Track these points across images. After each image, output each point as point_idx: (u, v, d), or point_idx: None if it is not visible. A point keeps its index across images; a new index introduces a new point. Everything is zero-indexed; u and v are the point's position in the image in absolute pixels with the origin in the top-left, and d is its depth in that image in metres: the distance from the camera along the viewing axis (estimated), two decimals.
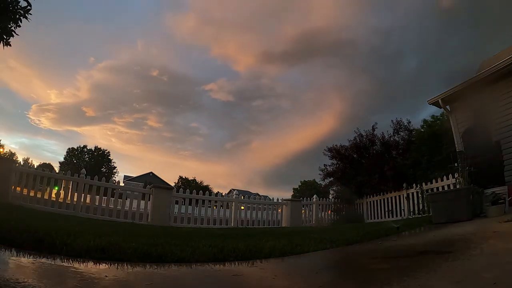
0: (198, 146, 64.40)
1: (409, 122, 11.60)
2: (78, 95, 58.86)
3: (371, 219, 10.15)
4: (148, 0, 56.15)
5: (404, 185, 8.93)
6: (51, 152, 67.00)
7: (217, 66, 61.85)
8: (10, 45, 4.27)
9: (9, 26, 4.16)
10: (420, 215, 7.61)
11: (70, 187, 7.43)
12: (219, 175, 65.80)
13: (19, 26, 4.25)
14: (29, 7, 4.21)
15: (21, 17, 4.21)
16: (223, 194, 10.63)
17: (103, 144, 59.95)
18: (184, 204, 8.63)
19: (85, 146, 54.91)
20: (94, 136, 67.18)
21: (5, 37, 4.18)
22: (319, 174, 12.99)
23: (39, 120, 64.01)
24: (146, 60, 58.90)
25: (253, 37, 54.93)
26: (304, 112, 60.64)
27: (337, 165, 12.36)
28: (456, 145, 7.28)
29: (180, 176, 52.44)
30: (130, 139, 61.54)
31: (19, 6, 4.18)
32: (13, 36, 4.25)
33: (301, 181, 49.66)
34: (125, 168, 76.75)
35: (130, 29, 59.15)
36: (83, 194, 7.30)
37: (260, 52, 56.13)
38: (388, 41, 47.80)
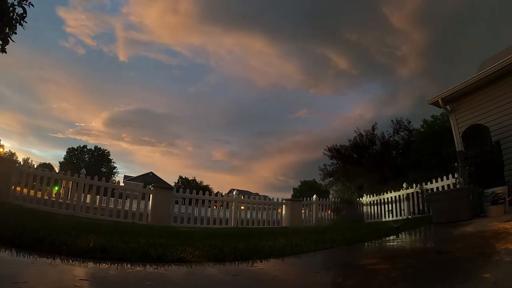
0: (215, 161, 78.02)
1: (409, 122, 11.64)
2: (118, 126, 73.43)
3: (371, 219, 10.15)
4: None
5: (404, 185, 8.92)
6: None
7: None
8: (5, 52, 4.26)
9: (6, 32, 4.15)
10: (420, 215, 7.61)
11: (70, 187, 7.42)
12: (221, 181, 75.65)
13: (15, 33, 4.25)
14: (24, 14, 4.21)
15: (17, 24, 4.20)
16: (223, 194, 10.61)
17: (143, 161, 73.70)
18: (184, 204, 8.62)
19: (85, 146, 55.14)
20: (134, 154, 78.28)
21: (1, 42, 4.17)
22: (319, 174, 13.06)
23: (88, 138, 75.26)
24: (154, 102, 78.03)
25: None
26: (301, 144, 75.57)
27: (337, 165, 12.37)
28: (456, 145, 7.28)
29: (180, 176, 52.56)
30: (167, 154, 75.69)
31: (15, 13, 4.17)
32: (8, 43, 4.24)
33: (301, 181, 49.85)
34: (125, 168, 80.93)
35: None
36: (83, 194, 7.29)
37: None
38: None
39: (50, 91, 67.98)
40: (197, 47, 73.84)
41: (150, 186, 8.07)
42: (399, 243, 3.91)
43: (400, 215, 8.89)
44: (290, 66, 69.68)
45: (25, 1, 4.20)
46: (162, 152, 76.95)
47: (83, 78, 69.74)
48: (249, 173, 79.82)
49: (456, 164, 6.29)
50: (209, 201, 8.92)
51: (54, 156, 78.64)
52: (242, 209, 9.37)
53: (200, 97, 77.45)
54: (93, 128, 72.98)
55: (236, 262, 2.46)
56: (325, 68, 67.52)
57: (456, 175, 6.62)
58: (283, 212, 9.88)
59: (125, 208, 8.00)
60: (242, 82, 77.44)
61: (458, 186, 6.32)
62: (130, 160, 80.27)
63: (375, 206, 10.13)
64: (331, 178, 12.72)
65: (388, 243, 3.87)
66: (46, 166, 26.48)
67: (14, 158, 29.48)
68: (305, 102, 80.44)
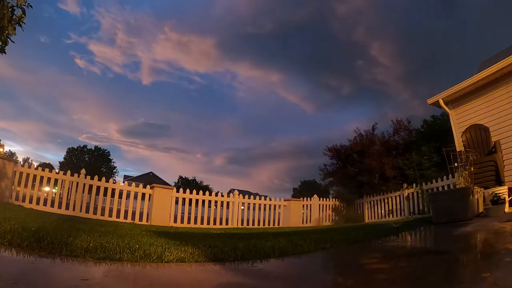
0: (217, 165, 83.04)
1: (409, 122, 11.63)
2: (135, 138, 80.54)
3: (371, 219, 10.16)
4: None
5: (404, 185, 8.93)
6: None
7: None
8: (5, 53, 4.28)
9: (6, 33, 4.16)
10: (420, 215, 7.62)
11: (70, 187, 7.42)
12: (222, 183, 79.36)
13: (15, 34, 4.27)
14: (23, 15, 4.22)
15: (16, 24, 4.21)
16: (223, 194, 10.59)
17: (157, 166, 77.04)
18: (184, 204, 8.63)
19: (85, 146, 55.17)
20: (145, 158, 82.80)
21: (0, 43, 4.18)
22: (319, 174, 13.02)
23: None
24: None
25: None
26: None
27: (337, 165, 12.36)
28: (456, 145, 7.28)
29: (180, 176, 52.59)
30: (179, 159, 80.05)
31: (14, 14, 4.19)
32: (8, 43, 4.25)
33: (301, 181, 49.91)
34: (125, 168, 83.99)
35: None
36: (83, 194, 7.29)
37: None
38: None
39: (74, 106, 77.29)
40: (215, 76, 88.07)
41: (150, 186, 8.07)
42: (399, 243, 3.91)
43: (400, 215, 8.90)
44: (294, 95, 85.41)
45: (24, 2, 4.21)
46: (170, 156, 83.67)
47: (106, 96, 79.05)
48: (249, 176, 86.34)
49: (456, 164, 6.29)
50: (209, 201, 8.92)
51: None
52: (242, 209, 9.37)
53: (214, 115, 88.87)
54: (112, 137, 78.76)
55: (236, 262, 2.46)
56: (325, 94, 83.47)
57: (456, 175, 6.62)
58: (283, 212, 9.89)
59: (125, 208, 8.00)
60: (252, 104, 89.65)
61: (458, 186, 6.32)
62: (139, 163, 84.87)
63: (375, 206, 10.14)
64: (331, 178, 12.70)
65: (388, 243, 3.87)
66: (46, 166, 26.40)
67: (14, 158, 29.43)
68: (306, 118, 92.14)
